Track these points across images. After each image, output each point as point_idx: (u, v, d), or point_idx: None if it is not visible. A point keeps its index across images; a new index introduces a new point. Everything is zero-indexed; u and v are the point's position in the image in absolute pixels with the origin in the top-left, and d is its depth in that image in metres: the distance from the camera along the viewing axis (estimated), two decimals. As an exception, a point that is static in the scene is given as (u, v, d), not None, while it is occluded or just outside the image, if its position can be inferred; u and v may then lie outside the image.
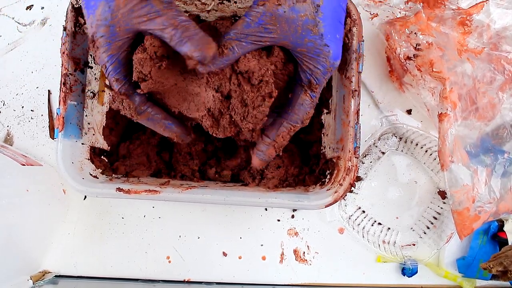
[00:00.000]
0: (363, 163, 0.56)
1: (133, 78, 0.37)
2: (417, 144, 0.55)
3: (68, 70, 0.42)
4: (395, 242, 0.55)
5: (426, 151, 0.54)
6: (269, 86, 0.37)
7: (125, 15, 0.34)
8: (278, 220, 0.55)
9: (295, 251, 0.55)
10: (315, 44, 0.35)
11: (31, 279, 0.50)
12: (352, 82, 0.40)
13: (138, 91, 0.37)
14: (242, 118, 0.39)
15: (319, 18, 0.35)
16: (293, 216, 0.55)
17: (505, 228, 0.52)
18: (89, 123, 0.46)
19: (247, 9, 0.36)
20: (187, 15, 0.36)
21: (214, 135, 0.41)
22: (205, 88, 0.39)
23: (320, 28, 0.35)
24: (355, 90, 0.40)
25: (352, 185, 0.41)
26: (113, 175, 0.48)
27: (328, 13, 0.35)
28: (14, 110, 0.56)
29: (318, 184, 0.47)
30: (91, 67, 0.46)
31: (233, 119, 0.39)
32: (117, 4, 0.34)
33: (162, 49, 0.36)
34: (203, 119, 0.40)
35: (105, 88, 0.48)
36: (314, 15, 0.34)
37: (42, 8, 0.58)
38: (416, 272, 0.53)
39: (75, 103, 0.44)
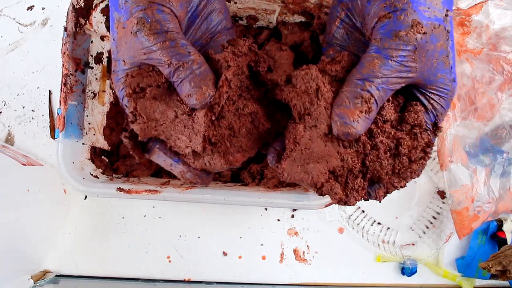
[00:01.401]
0: (362, 163, 0.56)
1: (125, 125, 0.32)
2: (416, 144, 0.55)
3: (68, 71, 0.42)
4: (394, 242, 0.55)
5: (426, 151, 0.54)
6: (426, 132, 0.30)
7: (126, 48, 0.30)
8: (278, 220, 0.55)
9: (295, 251, 0.55)
10: (445, 80, 0.29)
11: (32, 278, 0.50)
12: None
13: (139, 138, 0.32)
14: (390, 172, 0.30)
15: (450, 47, 0.28)
16: (293, 216, 0.55)
17: (504, 228, 0.52)
18: (89, 123, 0.46)
19: (374, 41, 0.28)
20: (190, 47, 0.30)
21: (341, 204, 0.31)
22: (324, 142, 0.29)
23: (450, 60, 0.28)
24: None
25: (351, 185, 0.41)
26: (114, 175, 0.48)
27: (453, 40, 0.29)
28: (15, 110, 0.56)
29: (317, 184, 0.47)
30: (92, 68, 0.46)
31: (367, 177, 0.31)
32: (119, 36, 0.30)
33: (148, 79, 0.31)
34: (323, 187, 0.30)
35: (106, 89, 0.48)
36: (446, 44, 0.28)
37: (43, 8, 0.58)
38: (416, 271, 0.53)
39: (76, 103, 0.44)
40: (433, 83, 0.29)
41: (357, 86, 0.28)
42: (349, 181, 0.30)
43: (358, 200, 0.30)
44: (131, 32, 0.29)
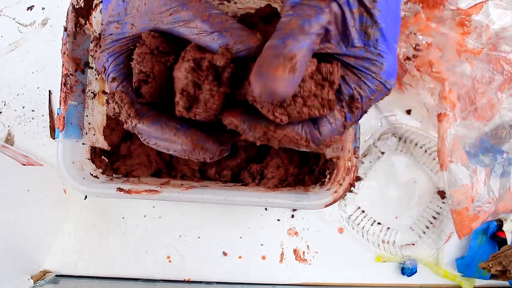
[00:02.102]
0: (362, 163, 0.56)
1: (134, 83, 0.31)
2: (416, 144, 0.55)
3: (68, 71, 0.43)
4: (394, 242, 0.55)
5: (426, 151, 0.55)
6: (333, 91, 0.27)
7: (142, 10, 0.28)
8: (278, 220, 0.55)
9: (295, 251, 0.55)
10: (366, 53, 0.26)
11: (31, 278, 0.50)
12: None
13: (139, 100, 0.31)
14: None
15: (376, 17, 0.26)
16: (293, 216, 0.55)
17: (504, 228, 0.52)
18: (89, 123, 0.46)
19: (285, 11, 0.27)
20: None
21: (199, 115, 0.29)
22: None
23: (375, 31, 0.26)
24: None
25: (351, 185, 0.41)
26: (114, 175, 0.48)
27: (388, 11, 0.26)
28: (15, 110, 0.56)
29: (317, 184, 0.47)
30: (92, 68, 0.46)
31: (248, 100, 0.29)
32: None
33: (165, 45, 0.30)
34: (178, 106, 0.29)
35: (106, 89, 0.48)
36: (370, 12, 0.25)
37: (43, 8, 0.58)
38: (416, 271, 0.53)
39: (76, 103, 0.44)
40: (350, 53, 0.26)
41: (279, 47, 0.25)
42: (198, 91, 0.28)
43: (213, 108, 0.28)
44: None
